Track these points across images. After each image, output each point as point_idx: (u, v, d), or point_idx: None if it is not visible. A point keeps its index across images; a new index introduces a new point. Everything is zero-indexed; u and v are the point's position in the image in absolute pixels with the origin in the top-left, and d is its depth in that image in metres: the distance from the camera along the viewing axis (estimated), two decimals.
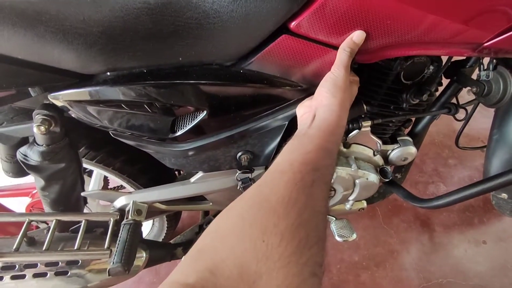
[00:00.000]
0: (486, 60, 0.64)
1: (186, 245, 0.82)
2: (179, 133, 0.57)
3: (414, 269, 1.15)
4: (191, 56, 0.51)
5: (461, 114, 0.72)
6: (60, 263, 0.65)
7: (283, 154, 0.41)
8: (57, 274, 0.65)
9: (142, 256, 0.73)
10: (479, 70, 0.63)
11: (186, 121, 0.57)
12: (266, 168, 0.71)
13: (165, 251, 0.80)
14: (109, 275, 0.60)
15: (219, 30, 0.48)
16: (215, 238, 0.32)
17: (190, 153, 0.62)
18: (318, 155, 0.40)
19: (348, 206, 0.82)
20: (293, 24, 0.47)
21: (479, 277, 1.12)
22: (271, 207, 0.32)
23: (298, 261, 0.29)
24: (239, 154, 0.66)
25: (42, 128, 0.54)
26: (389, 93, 0.65)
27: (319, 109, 0.47)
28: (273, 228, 0.30)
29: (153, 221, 1.04)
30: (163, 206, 0.74)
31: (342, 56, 0.48)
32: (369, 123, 0.68)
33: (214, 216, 0.98)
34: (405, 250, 1.20)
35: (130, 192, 0.71)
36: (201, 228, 0.94)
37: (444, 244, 1.20)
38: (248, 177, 0.68)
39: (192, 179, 0.71)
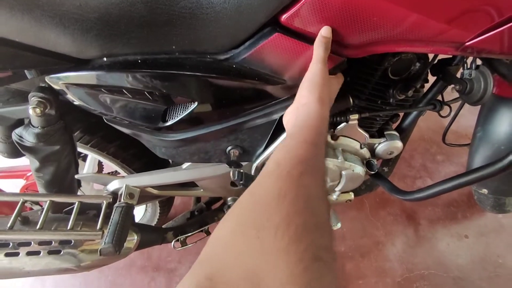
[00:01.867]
0: (470, 60, 0.66)
1: (177, 230, 0.85)
2: (169, 122, 0.59)
3: (397, 260, 1.19)
4: (184, 45, 0.52)
5: (445, 111, 0.74)
6: (53, 242, 0.67)
7: (271, 157, 0.42)
8: (50, 252, 0.67)
9: (133, 239, 0.76)
10: (463, 68, 0.65)
11: (178, 111, 0.59)
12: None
13: (156, 235, 0.82)
14: (100, 254, 0.63)
15: (212, 21, 0.50)
16: (214, 246, 0.31)
17: (181, 143, 0.64)
18: (302, 149, 0.40)
19: (334, 196, 0.85)
20: (284, 17, 0.49)
21: (460, 270, 1.17)
22: (263, 205, 0.32)
23: (297, 249, 0.28)
24: (229, 148, 0.67)
25: (38, 110, 0.55)
26: (377, 88, 0.68)
27: (299, 109, 0.48)
28: (267, 222, 0.30)
29: (146, 206, 1.06)
30: (155, 191, 0.76)
31: (317, 52, 0.49)
32: (356, 116, 0.71)
33: (206, 203, 1.01)
34: (390, 242, 1.24)
35: (123, 176, 0.73)
36: (192, 214, 0.97)
37: (428, 237, 1.24)
38: (239, 171, 0.70)
39: (184, 166, 0.74)
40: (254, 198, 0.35)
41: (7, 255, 0.65)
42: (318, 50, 0.49)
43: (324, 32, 0.49)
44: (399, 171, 1.41)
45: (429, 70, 0.71)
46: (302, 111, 0.48)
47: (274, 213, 0.31)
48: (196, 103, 0.55)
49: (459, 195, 1.34)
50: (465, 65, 0.66)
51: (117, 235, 0.64)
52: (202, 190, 0.80)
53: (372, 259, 1.20)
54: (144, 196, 0.83)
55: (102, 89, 0.54)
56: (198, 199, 1.04)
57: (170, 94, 0.55)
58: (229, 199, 0.92)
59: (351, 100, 0.61)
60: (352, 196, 0.98)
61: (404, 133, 0.84)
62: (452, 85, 0.67)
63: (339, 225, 0.82)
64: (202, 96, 0.55)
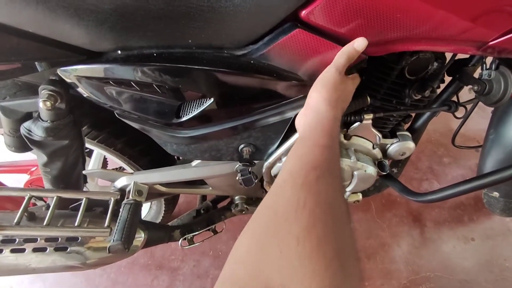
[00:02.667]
0: (488, 60, 0.65)
1: (184, 228, 0.84)
2: (184, 118, 0.57)
3: (403, 262, 1.19)
4: (201, 39, 0.51)
5: (460, 112, 0.73)
6: (60, 239, 0.66)
7: (283, 167, 0.41)
8: (56, 249, 0.66)
9: (140, 237, 0.74)
10: (482, 69, 0.64)
11: (192, 107, 0.57)
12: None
13: (163, 233, 0.81)
14: (109, 252, 0.61)
15: (230, 15, 0.48)
16: (233, 264, 0.31)
17: (192, 141, 0.63)
18: (314, 153, 0.39)
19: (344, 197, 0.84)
20: (304, 13, 0.48)
21: (465, 272, 1.16)
22: (281, 218, 0.31)
23: (323, 256, 0.28)
24: (241, 146, 0.66)
25: (48, 103, 0.54)
26: (393, 88, 0.66)
27: (308, 111, 0.48)
28: (287, 235, 0.29)
29: (151, 203, 1.05)
30: (163, 189, 0.75)
31: (338, 59, 0.49)
32: (371, 116, 0.69)
33: (212, 201, 1.00)
34: (396, 243, 1.23)
35: (131, 173, 0.71)
36: (198, 213, 0.96)
37: (434, 239, 1.24)
38: (248, 169, 0.69)
39: (194, 163, 0.72)
40: (270, 210, 0.34)
41: (13, 251, 0.63)
42: (341, 58, 0.48)
43: (357, 44, 0.48)
44: (405, 173, 1.39)
45: (445, 71, 0.70)
46: (311, 113, 0.47)
47: (294, 223, 0.30)
48: (212, 99, 0.54)
49: (466, 198, 1.33)
50: (484, 65, 0.65)
51: (126, 232, 0.62)
52: (210, 188, 0.79)
53: (378, 261, 1.19)
54: (151, 194, 0.81)
55: (115, 83, 0.52)
56: (203, 198, 1.03)
57: (185, 89, 0.53)
58: (236, 197, 0.90)
59: (368, 99, 0.60)
60: (360, 197, 0.97)
61: (415, 134, 0.83)
62: (469, 86, 0.66)
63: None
64: (218, 92, 0.54)
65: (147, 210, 1.08)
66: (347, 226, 0.34)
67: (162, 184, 0.74)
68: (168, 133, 0.61)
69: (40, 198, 0.92)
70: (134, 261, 1.25)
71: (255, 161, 0.69)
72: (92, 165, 0.92)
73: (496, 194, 0.89)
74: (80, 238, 0.67)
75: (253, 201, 0.92)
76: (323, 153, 0.40)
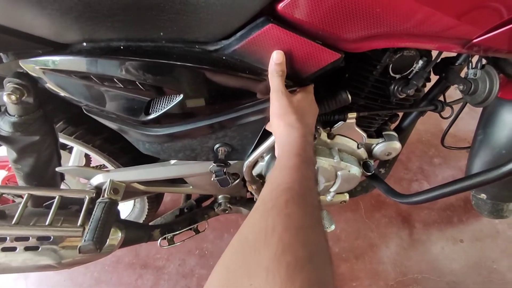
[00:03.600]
0: (475, 59, 0.63)
1: (164, 228, 0.82)
2: (152, 115, 0.55)
3: (391, 263, 1.17)
4: (173, 32, 0.49)
5: (446, 112, 0.71)
6: (30, 238, 0.64)
7: (265, 188, 0.40)
8: (27, 249, 0.64)
9: (117, 236, 0.72)
10: (467, 68, 0.63)
11: (162, 104, 0.55)
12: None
13: (142, 232, 0.79)
14: (79, 252, 0.59)
15: (203, 6, 0.46)
16: None
17: (165, 139, 0.60)
18: (283, 176, 0.39)
19: (329, 197, 0.82)
20: (280, 6, 0.45)
21: (454, 274, 1.15)
22: (251, 246, 0.31)
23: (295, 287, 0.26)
24: (217, 145, 0.64)
25: (13, 97, 0.52)
26: (377, 86, 0.65)
27: (276, 136, 0.49)
28: (257, 267, 0.28)
29: (134, 202, 1.03)
30: (141, 187, 0.72)
31: (273, 81, 0.48)
32: (354, 115, 0.68)
33: (196, 200, 0.98)
34: (385, 244, 1.21)
35: (107, 170, 0.69)
36: (182, 212, 0.94)
37: (423, 240, 1.22)
38: (223, 170, 0.67)
39: (173, 161, 0.70)
40: (242, 237, 0.34)
41: None
42: (273, 80, 0.48)
43: (277, 58, 0.47)
44: (395, 174, 1.38)
45: (431, 69, 0.69)
46: (278, 139, 0.48)
47: (262, 253, 0.29)
48: (181, 96, 0.51)
49: (456, 199, 1.31)
50: (470, 64, 0.63)
51: (98, 232, 0.60)
52: (191, 187, 0.76)
53: (366, 261, 1.18)
54: (130, 192, 0.79)
55: (79, 76, 0.50)
56: (188, 196, 1.01)
57: (154, 84, 0.51)
58: (220, 197, 0.88)
59: (349, 97, 0.58)
60: (347, 197, 0.95)
61: (403, 134, 0.81)
62: (455, 85, 0.64)
63: (333, 227, 0.79)
64: (188, 89, 0.51)
65: (130, 209, 1.06)
66: (322, 250, 0.32)
67: (140, 183, 0.72)
68: (139, 130, 0.59)
69: (19, 196, 0.89)
70: (118, 259, 1.23)
71: (231, 162, 0.67)
72: (72, 161, 0.90)
73: (483, 196, 0.88)
74: (52, 237, 0.65)
75: (236, 200, 0.90)
76: (292, 175, 0.39)
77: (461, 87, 0.62)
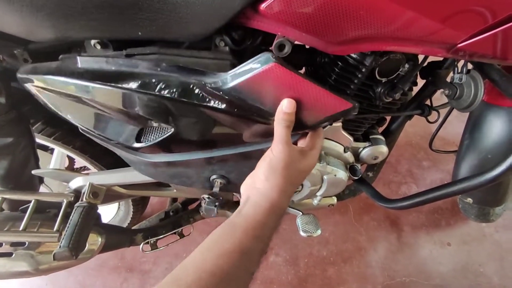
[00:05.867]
0: (461, 63, 0.63)
1: (147, 232, 0.80)
2: (143, 145, 0.53)
3: (379, 267, 1.17)
4: (152, 31, 0.47)
5: (433, 117, 0.71)
6: (4, 244, 0.61)
7: (198, 251, 0.37)
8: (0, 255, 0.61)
9: (97, 241, 0.70)
10: (453, 72, 0.62)
11: (154, 134, 0.53)
12: None
13: (124, 237, 0.77)
14: (54, 259, 0.57)
15: (183, 5, 0.44)
16: None
17: (160, 165, 0.58)
18: (231, 260, 0.35)
19: (315, 201, 0.81)
20: (262, 6, 0.44)
21: (441, 278, 1.15)
22: None
23: None
24: (213, 177, 0.62)
25: None
26: (362, 89, 0.64)
27: (253, 191, 0.43)
28: None
29: (119, 205, 1.00)
30: (123, 190, 0.70)
31: (278, 131, 0.43)
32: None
33: (182, 203, 0.96)
34: (373, 248, 1.21)
35: (87, 173, 0.67)
36: (167, 215, 0.92)
37: (411, 244, 1.22)
38: (214, 203, 0.65)
39: None
40: None
41: None
42: (279, 128, 0.43)
43: (286, 107, 0.43)
44: (384, 176, 1.38)
45: (418, 73, 0.68)
46: (253, 196, 0.42)
47: None
48: (172, 129, 0.49)
49: (443, 202, 1.32)
50: (456, 69, 0.63)
51: (74, 238, 0.58)
52: (175, 190, 0.75)
53: (354, 265, 1.17)
54: (112, 195, 0.77)
55: (72, 98, 0.47)
56: (174, 199, 0.99)
57: (144, 116, 0.48)
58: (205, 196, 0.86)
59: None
60: (335, 200, 0.95)
61: (390, 138, 0.81)
62: (441, 90, 0.64)
63: (319, 231, 0.78)
64: (181, 123, 0.49)
65: (115, 212, 1.04)
66: None
67: (122, 186, 0.70)
68: (133, 155, 0.56)
69: None
70: (103, 262, 1.20)
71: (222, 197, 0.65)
72: (53, 164, 0.87)
73: (469, 200, 0.88)
74: (27, 243, 0.63)
75: (223, 203, 0.88)
76: (241, 262, 0.36)
77: (446, 91, 0.62)
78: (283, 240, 1.23)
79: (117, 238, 0.75)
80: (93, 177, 0.67)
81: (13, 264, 0.63)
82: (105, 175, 0.68)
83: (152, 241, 0.79)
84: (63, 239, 0.58)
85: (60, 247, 0.57)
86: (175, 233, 0.84)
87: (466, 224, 1.26)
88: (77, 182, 0.67)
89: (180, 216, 0.88)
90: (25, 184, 0.68)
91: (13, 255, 0.62)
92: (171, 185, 0.73)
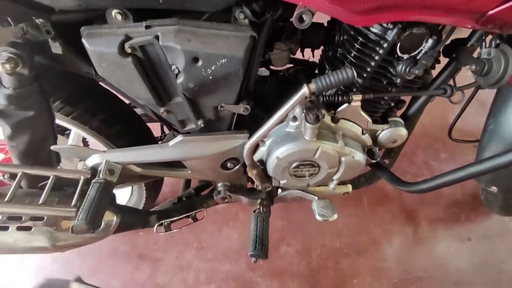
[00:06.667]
0: (489, 38, 0.61)
1: (161, 214, 0.79)
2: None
3: (394, 261, 1.14)
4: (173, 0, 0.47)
5: (456, 97, 0.68)
6: (23, 217, 0.62)
7: None
8: (19, 228, 0.62)
9: (112, 220, 0.70)
10: (481, 48, 0.60)
11: None
12: None
13: (138, 218, 0.77)
14: (72, 232, 0.57)
15: None
16: None
17: None
18: None
19: (332, 186, 0.79)
20: None
21: (460, 274, 1.11)
22: None
23: None
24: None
25: (7, 66, 0.50)
26: (383, 66, 0.62)
27: None
28: None
29: (132, 190, 1.01)
30: (138, 169, 0.70)
31: None
32: (359, 97, 0.65)
33: (195, 189, 0.96)
34: (388, 241, 1.18)
35: (104, 151, 0.67)
36: (180, 200, 0.91)
37: (428, 238, 1.19)
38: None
39: (171, 143, 0.68)
40: None
41: None
42: None
43: None
44: (399, 167, 1.33)
45: (441, 51, 0.66)
46: None
47: None
48: None
49: (463, 195, 1.28)
50: (484, 43, 0.60)
51: (91, 212, 0.58)
52: (189, 171, 0.74)
53: (368, 258, 1.15)
54: (127, 175, 0.77)
55: None
56: (187, 185, 0.99)
57: None
58: (219, 184, 0.86)
59: (355, 74, 0.55)
60: (350, 188, 0.93)
61: (409, 121, 0.78)
62: (468, 66, 0.62)
63: (335, 216, 0.76)
64: None
65: (128, 197, 1.04)
66: None
67: (137, 165, 0.70)
68: None
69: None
70: (115, 250, 1.20)
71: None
72: (70, 141, 0.88)
73: (494, 189, 0.84)
74: (46, 217, 0.63)
75: (236, 188, 0.88)
76: None
77: (473, 67, 0.59)
78: (295, 231, 1.21)
79: (132, 218, 0.75)
80: (110, 154, 0.67)
81: (32, 239, 0.63)
82: (121, 152, 0.68)
83: (165, 223, 0.78)
84: (80, 212, 0.58)
85: (78, 220, 0.57)
86: (188, 216, 0.83)
87: (487, 219, 1.22)
88: (93, 159, 0.67)
89: (194, 201, 0.88)
90: (43, 161, 0.69)
91: (32, 229, 0.62)
92: (186, 165, 0.72)
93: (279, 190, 0.87)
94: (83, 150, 0.67)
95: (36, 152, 0.66)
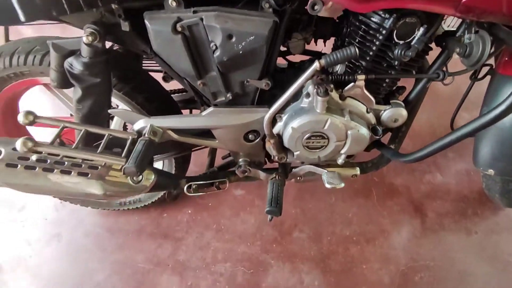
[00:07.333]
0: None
1: (190, 178, 0.92)
2: None
3: (402, 249, 1.19)
4: None
5: (448, 81, 0.79)
6: (83, 165, 0.76)
7: None
8: (79, 174, 0.75)
9: (150, 178, 0.83)
10: (463, 34, 0.72)
11: None
12: None
13: (171, 180, 0.89)
14: (123, 173, 0.70)
15: None
16: None
17: None
18: None
19: (340, 160, 0.89)
20: None
21: (466, 265, 1.15)
22: None
23: None
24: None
25: (90, 38, 0.66)
26: (382, 50, 0.75)
27: None
28: None
29: (162, 167, 1.14)
30: (175, 135, 0.84)
31: None
32: (363, 77, 0.77)
33: (218, 167, 1.08)
34: (396, 230, 1.24)
35: (149, 116, 0.81)
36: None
37: (435, 230, 1.24)
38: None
39: (204, 113, 0.82)
40: None
41: (44, 169, 0.73)
42: None
43: None
44: (408, 166, 1.42)
45: (434, 41, 0.78)
46: None
47: None
48: None
49: (470, 192, 1.33)
50: (466, 31, 0.72)
51: (139, 159, 0.71)
52: (217, 141, 0.87)
53: (377, 246, 1.21)
54: (162, 147, 0.92)
55: None
56: (211, 164, 1.11)
57: None
58: (240, 160, 0.98)
59: (357, 51, 0.67)
60: (358, 171, 1.02)
61: (410, 105, 0.89)
62: (454, 50, 0.73)
63: (342, 184, 0.86)
64: None
65: None
66: None
67: (174, 131, 0.83)
68: None
69: None
70: (141, 229, 1.32)
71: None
72: (114, 124, 1.03)
73: (491, 171, 0.92)
74: (99, 167, 0.77)
75: (255, 164, 0.99)
76: None
77: (458, 50, 0.71)
78: (308, 218, 1.29)
79: (165, 180, 0.88)
80: (154, 119, 0.81)
81: (88, 184, 0.76)
82: (163, 119, 0.82)
83: (194, 186, 0.90)
84: (130, 159, 0.71)
85: (128, 163, 0.70)
86: (213, 184, 0.95)
87: (494, 214, 1.26)
88: (140, 123, 0.81)
89: (218, 174, 1.00)
90: (100, 124, 0.84)
91: (89, 175, 0.76)
92: (214, 135, 0.86)
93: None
94: (132, 114, 0.81)
95: (96, 115, 0.81)
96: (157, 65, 0.97)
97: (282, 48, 0.83)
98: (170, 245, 1.27)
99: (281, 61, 0.91)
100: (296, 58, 0.91)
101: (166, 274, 1.19)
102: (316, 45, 0.87)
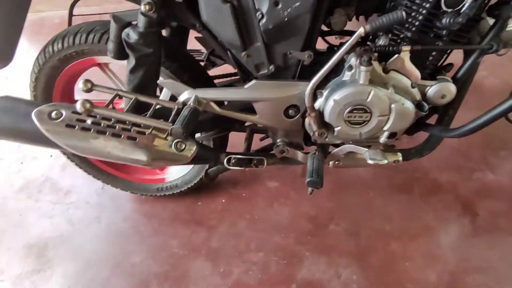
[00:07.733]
0: None
1: (229, 153, 0.93)
2: None
3: (451, 248, 1.10)
4: None
5: (503, 52, 0.75)
6: (132, 130, 0.80)
7: None
8: (128, 138, 0.80)
9: (192, 148, 0.85)
10: None
11: None
12: None
13: (211, 153, 0.91)
14: (170, 134, 0.74)
15: None
16: None
17: None
18: None
19: (382, 138, 0.86)
20: None
21: None
22: None
23: None
24: None
25: (147, 7, 0.72)
26: (429, 19, 0.73)
27: None
28: None
29: None
30: (217, 108, 0.86)
31: None
32: (408, 48, 0.75)
33: (256, 150, 1.09)
34: (443, 228, 1.15)
35: (194, 88, 0.85)
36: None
37: (489, 230, 1.13)
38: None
39: (246, 86, 0.84)
40: None
41: (98, 132, 0.79)
42: None
43: None
44: (453, 163, 1.33)
45: (486, 12, 0.76)
46: None
47: None
48: None
49: None
50: None
51: (185, 122, 0.74)
52: (257, 116, 0.88)
53: (421, 243, 1.12)
54: (205, 123, 0.95)
55: None
56: (248, 149, 1.12)
57: None
58: (278, 140, 0.98)
59: (404, 15, 0.67)
60: (400, 158, 0.98)
61: (459, 83, 0.84)
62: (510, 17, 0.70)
63: (385, 161, 0.82)
64: None
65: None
66: None
67: (217, 103, 0.86)
68: None
69: None
70: (176, 215, 1.34)
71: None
72: (163, 95, 1.07)
73: None
74: (146, 132, 0.81)
75: (293, 145, 0.99)
76: None
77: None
78: (344, 212, 1.24)
79: (206, 153, 0.90)
80: (198, 91, 0.84)
81: (134, 150, 0.80)
82: (206, 90, 0.85)
83: (233, 160, 0.92)
84: (177, 121, 0.75)
85: (175, 124, 0.74)
86: (251, 162, 0.96)
87: None
88: (185, 95, 0.85)
89: (255, 154, 1.01)
90: (149, 94, 0.89)
91: (137, 139, 0.80)
92: (255, 108, 0.87)
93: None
94: (179, 85, 0.85)
95: (145, 86, 0.87)
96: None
97: (324, 28, 0.84)
98: (204, 232, 1.28)
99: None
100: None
101: (200, 260, 1.18)
102: (357, 20, 0.88)
